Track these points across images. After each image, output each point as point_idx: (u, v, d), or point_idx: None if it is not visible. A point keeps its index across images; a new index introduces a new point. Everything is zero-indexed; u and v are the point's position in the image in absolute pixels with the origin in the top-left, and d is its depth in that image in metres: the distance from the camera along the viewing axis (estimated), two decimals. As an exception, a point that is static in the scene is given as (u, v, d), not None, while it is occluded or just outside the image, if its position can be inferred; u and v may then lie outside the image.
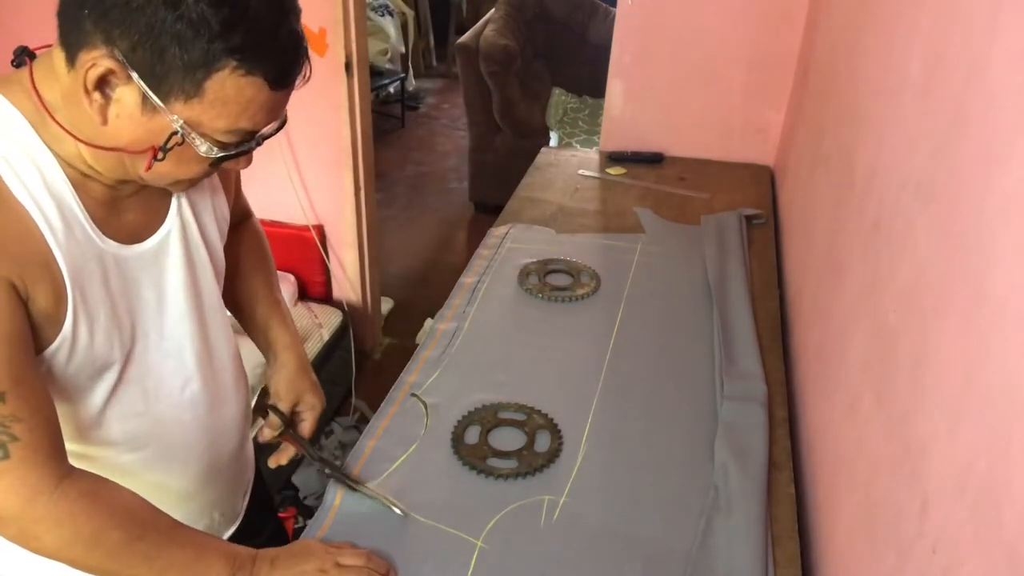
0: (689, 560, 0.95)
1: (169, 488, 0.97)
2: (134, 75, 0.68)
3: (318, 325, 2.47)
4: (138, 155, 0.74)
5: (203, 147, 0.73)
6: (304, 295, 2.63)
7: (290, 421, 1.06)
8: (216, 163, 0.77)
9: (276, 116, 0.77)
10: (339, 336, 2.53)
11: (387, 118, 5.12)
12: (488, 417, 1.17)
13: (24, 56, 0.76)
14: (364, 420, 2.47)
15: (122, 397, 0.88)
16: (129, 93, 0.69)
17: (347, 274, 2.66)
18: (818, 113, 1.56)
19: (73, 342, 0.79)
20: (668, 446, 1.14)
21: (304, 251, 2.57)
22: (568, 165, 2.14)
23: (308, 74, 0.77)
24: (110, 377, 0.86)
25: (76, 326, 0.79)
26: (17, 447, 0.72)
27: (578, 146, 3.56)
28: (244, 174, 2.53)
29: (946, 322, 0.68)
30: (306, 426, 1.07)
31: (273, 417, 1.04)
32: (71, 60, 0.69)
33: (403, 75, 5.16)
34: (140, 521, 0.80)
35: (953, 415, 0.64)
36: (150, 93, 0.69)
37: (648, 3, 2.07)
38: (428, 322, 1.44)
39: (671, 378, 1.29)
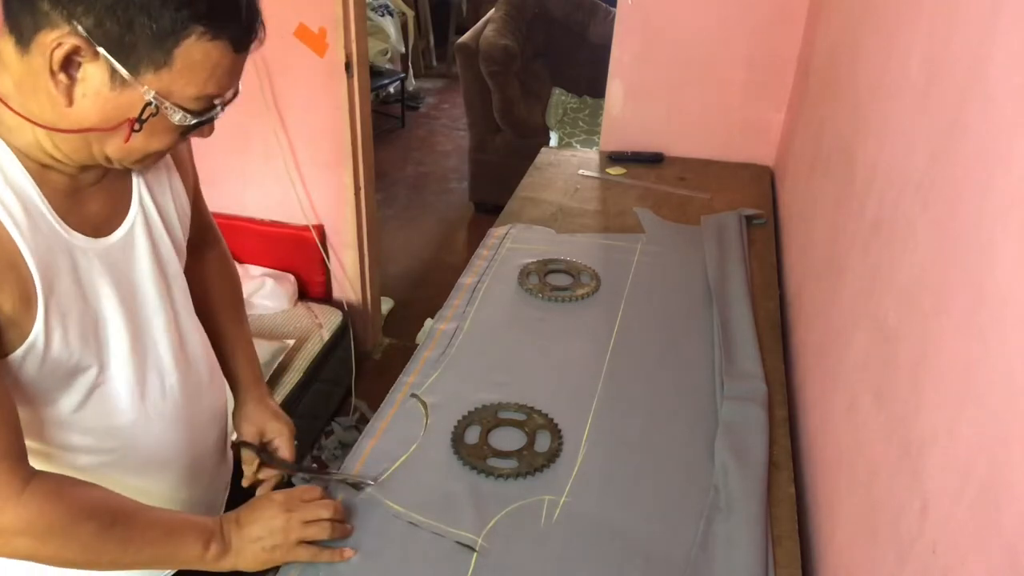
0: (689, 560, 0.95)
1: (150, 489, 0.96)
2: (101, 50, 0.68)
3: (318, 325, 2.47)
4: (109, 133, 0.74)
5: (177, 116, 0.74)
6: (304, 295, 2.63)
7: (262, 449, 1.09)
8: (186, 132, 0.78)
9: (236, 80, 0.78)
10: (339, 336, 2.53)
11: (387, 118, 5.12)
12: (488, 417, 1.17)
13: None
14: (364, 420, 2.47)
15: (101, 396, 0.87)
16: (96, 70, 0.69)
17: (347, 274, 2.66)
18: (818, 113, 1.56)
19: (46, 342, 0.77)
20: (668, 446, 1.14)
21: (304, 251, 2.57)
22: (568, 165, 2.14)
23: (263, 36, 0.78)
24: (88, 377, 0.84)
25: (48, 325, 0.77)
26: None
27: (578, 146, 3.56)
28: (245, 175, 2.54)
29: (946, 322, 0.68)
30: (283, 451, 1.09)
31: (247, 452, 1.08)
32: (24, 44, 0.68)
33: (403, 75, 5.16)
34: (108, 510, 0.81)
35: (953, 415, 0.64)
36: (119, 67, 0.69)
37: (648, 3, 2.07)
38: (428, 322, 1.44)
39: (671, 378, 1.29)
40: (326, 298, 2.69)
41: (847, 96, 1.29)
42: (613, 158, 2.17)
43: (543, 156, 2.22)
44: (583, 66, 4.04)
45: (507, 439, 1.14)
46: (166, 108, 0.73)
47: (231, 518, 0.90)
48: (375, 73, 4.43)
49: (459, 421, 1.16)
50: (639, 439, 1.15)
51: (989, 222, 0.62)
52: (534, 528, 1.00)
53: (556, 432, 1.15)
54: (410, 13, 5.38)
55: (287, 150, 2.43)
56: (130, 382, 0.89)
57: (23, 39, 0.68)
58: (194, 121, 0.76)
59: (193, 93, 0.73)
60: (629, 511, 1.03)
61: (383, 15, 5.03)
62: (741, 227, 1.75)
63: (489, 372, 1.28)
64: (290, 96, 2.35)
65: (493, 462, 1.09)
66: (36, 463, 0.81)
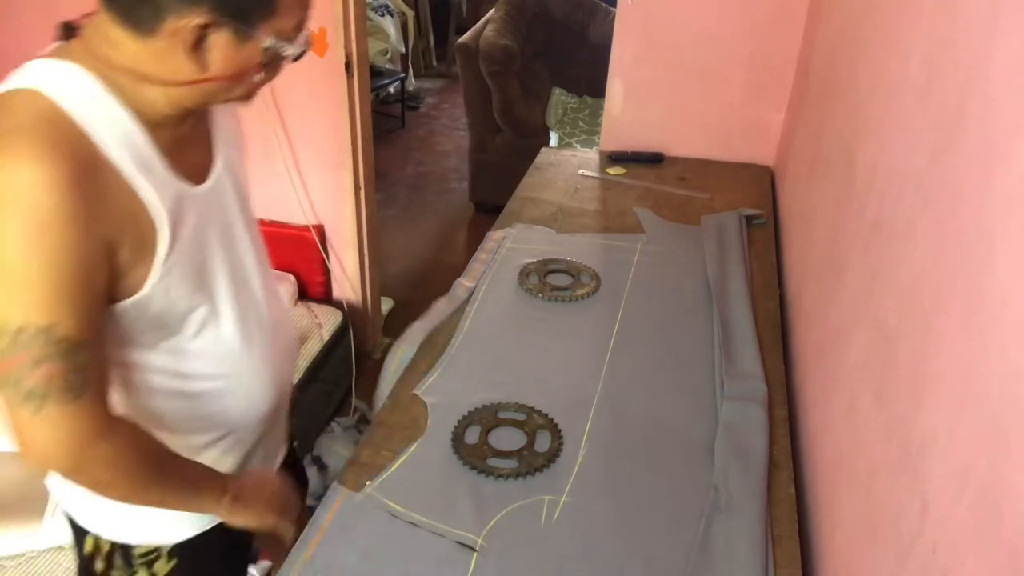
0: (689, 560, 0.95)
1: (250, 416, 1.02)
2: (226, 21, 0.76)
3: (318, 325, 2.47)
4: (239, 81, 0.82)
5: (290, 50, 0.83)
6: (304, 295, 2.63)
7: None
8: (296, 59, 0.86)
9: None
10: (339, 336, 2.53)
11: (387, 118, 5.11)
12: (488, 417, 1.17)
13: (69, 29, 0.82)
14: (364, 420, 2.47)
15: (215, 328, 0.94)
16: (222, 36, 0.77)
17: (347, 274, 2.66)
18: (818, 113, 1.56)
19: (166, 285, 0.84)
20: (668, 446, 1.14)
21: (304, 251, 2.57)
22: (568, 165, 2.14)
23: None
24: (199, 314, 0.91)
25: (168, 270, 0.84)
26: (89, 391, 0.78)
27: (578, 146, 3.56)
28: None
29: (946, 322, 0.68)
30: None
31: None
32: (146, 32, 0.75)
33: (403, 75, 5.16)
34: (161, 453, 0.90)
35: (953, 415, 0.64)
36: (244, 29, 0.77)
37: (648, 3, 2.07)
38: (428, 322, 1.44)
39: (671, 378, 1.29)
40: (326, 298, 2.69)
41: (847, 96, 1.29)
42: (613, 158, 2.17)
43: (543, 156, 2.22)
44: (583, 66, 4.04)
45: (507, 439, 1.14)
46: (282, 48, 0.82)
47: (236, 483, 0.99)
48: (375, 73, 4.43)
49: (459, 421, 1.16)
50: (639, 439, 1.15)
51: (989, 222, 0.62)
52: (534, 528, 1.00)
53: (556, 432, 1.15)
54: (410, 13, 5.38)
55: (287, 150, 2.43)
56: (234, 317, 0.96)
57: (143, 28, 0.75)
58: (303, 49, 0.84)
59: (293, 24, 0.82)
60: (629, 511, 1.03)
61: (383, 15, 5.02)
62: (741, 227, 1.75)
63: (489, 372, 1.28)
64: (290, 96, 2.35)
65: (493, 462, 1.09)
66: (162, 391, 0.92)
